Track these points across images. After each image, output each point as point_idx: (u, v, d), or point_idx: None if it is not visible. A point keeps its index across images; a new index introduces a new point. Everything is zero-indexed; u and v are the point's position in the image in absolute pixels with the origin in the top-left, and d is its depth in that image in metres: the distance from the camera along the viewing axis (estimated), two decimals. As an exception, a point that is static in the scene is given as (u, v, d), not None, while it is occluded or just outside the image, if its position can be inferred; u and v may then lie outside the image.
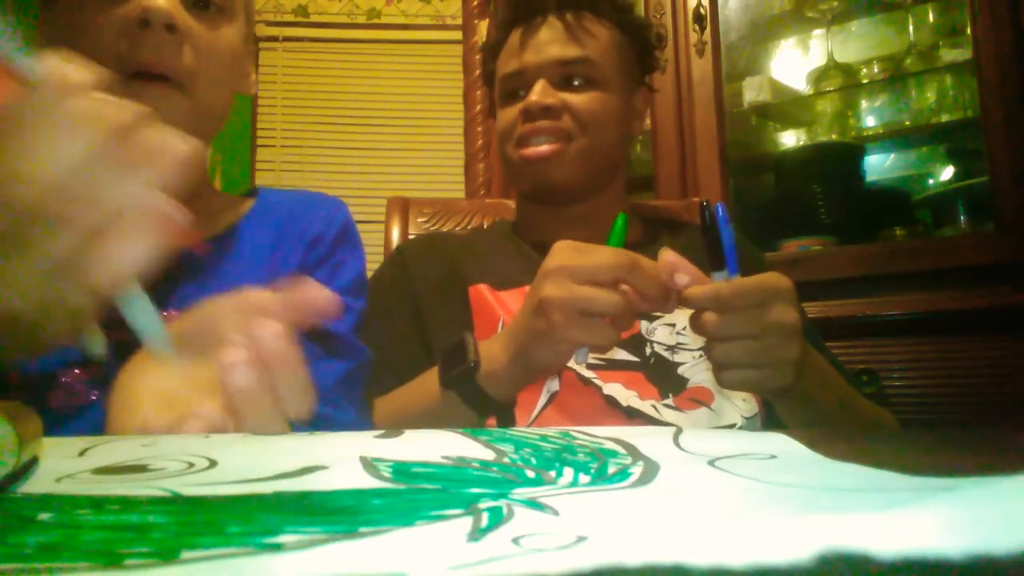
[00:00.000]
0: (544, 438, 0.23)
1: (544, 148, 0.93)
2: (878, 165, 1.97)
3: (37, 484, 0.18)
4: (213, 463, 0.20)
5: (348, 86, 2.47)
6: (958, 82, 1.76)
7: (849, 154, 1.87)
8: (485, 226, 1.22)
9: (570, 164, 0.94)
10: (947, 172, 1.88)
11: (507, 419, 0.83)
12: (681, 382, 0.85)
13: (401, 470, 0.20)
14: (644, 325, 0.89)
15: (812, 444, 0.23)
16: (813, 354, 0.72)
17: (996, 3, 1.53)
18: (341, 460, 0.20)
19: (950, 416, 1.51)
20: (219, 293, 0.64)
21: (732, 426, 0.83)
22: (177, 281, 0.64)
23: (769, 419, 0.86)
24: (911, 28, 1.84)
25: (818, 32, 1.98)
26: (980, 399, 1.49)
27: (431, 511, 0.17)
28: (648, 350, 0.87)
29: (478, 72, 2.04)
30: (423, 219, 1.27)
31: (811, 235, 1.74)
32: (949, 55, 1.73)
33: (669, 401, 0.83)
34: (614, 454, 0.22)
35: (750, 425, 0.84)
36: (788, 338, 0.62)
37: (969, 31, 1.61)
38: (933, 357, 1.55)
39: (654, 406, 0.82)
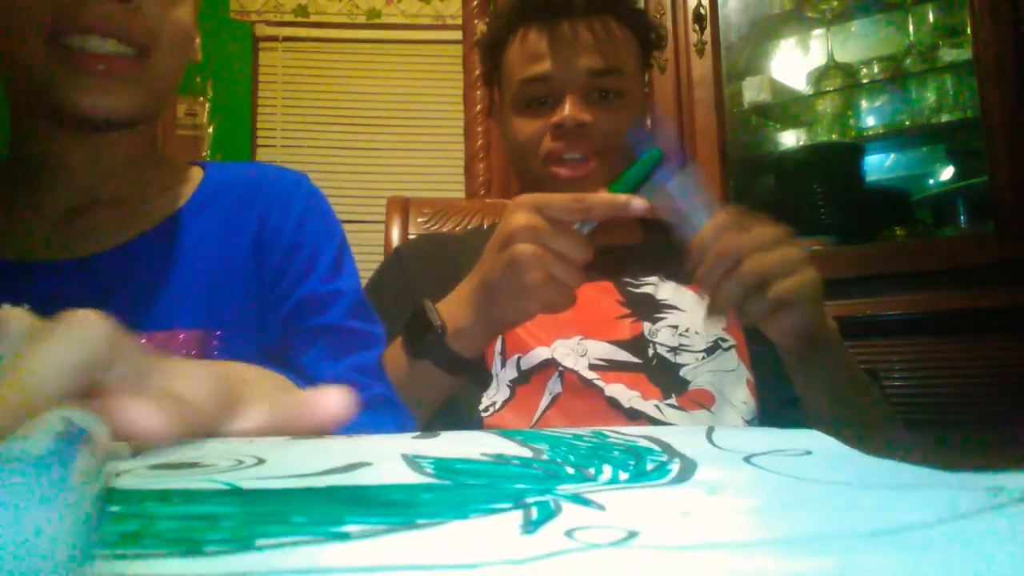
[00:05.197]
0: (577, 437, 0.23)
1: (580, 169, 0.91)
2: (878, 165, 1.98)
3: None
4: (261, 460, 0.20)
5: (348, 86, 2.47)
6: (958, 82, 1.77)
7: (849, 154, 1.87)
8: (485, 226, 1.22)
9: (601, 182, 0.93)
10: (947, 172, 1.88)
11: (479, 376, 0.84)
12: (683, 384, 0.85)
13: (443, 466, 0.20)
14: (647, 326, 0.89)
15: (844, 440, 0.23)
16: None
17: (996, 3, 1.54)
18: (383, 457, 0.20)
19: (950, 416, 1.51)
20: (157, 295, 0.60)
21: None
22: (113, 283, 0.60)
23: (764, 422, 0.86)
24: (911, 28, 1.85)
25: (818, 32, 1.99)
26: (980, 399, 1.49)
27: (481, 504, 0.17)
28: (651, 351, 0.87)
29: (478, 72, 2.04)
30: (423, 219, 1.27)
31: (811, 235, 1.74)
32: (949, 55, 1.73)
33: (672, 401, 0.83)
34: (650, 451, 0.22)
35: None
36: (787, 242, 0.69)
37: (969, 31, 1.61)
38: (933, 357, 1.55)
39: (657, 406, 0.82)
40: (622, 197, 0.67)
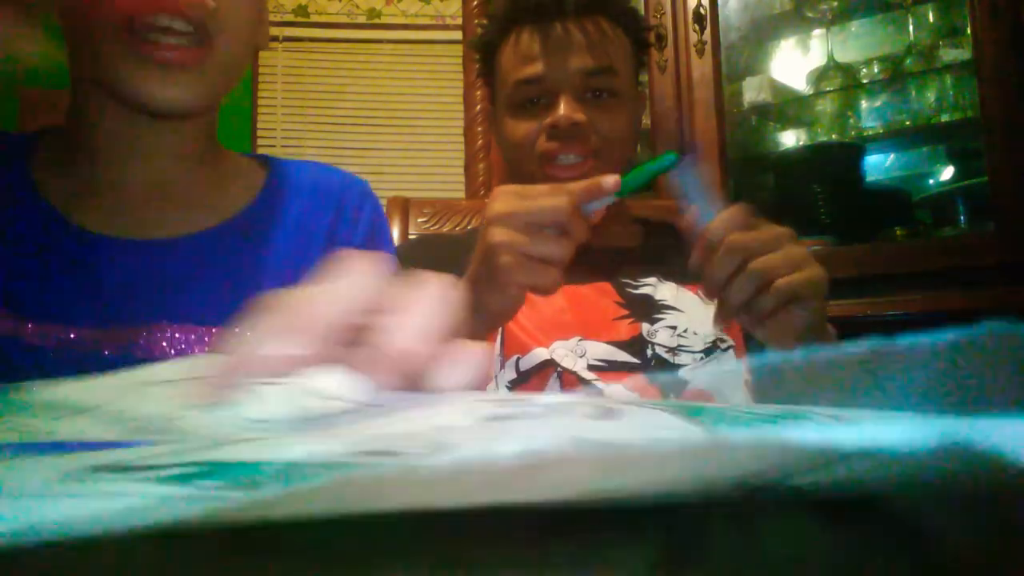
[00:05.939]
0: (752, 412, 0.23)
1: (575, 171, 0.90)
2: (878, 165, 1.98)
3: None
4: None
5: (348, 86, 2.47)
6: (958, 82, 1.76)
7: (849, 154, 1.87)
8: (485, 226, 1.21)
9: None
10: (947, 172, 1.88)
11: None
12: (681, 384, 0.85)
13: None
14: (645, 327, 0.89)
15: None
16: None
17: (996, 3, 1.53)
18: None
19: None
20: (237, 287, 0.62)
21: None
22: (197, 269, 0.62)
23: None
24: (911, 28, 1.85)
25: (818, 32, 1.99)
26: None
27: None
28: (649, 352, 0.87)
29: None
30: (423, 219, 1.27)
31: (811, 235, 1.74)
32: (949, 55, 1.73)
33: (671, 401, 0.83)
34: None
35: None
36: (792, 239, 0.68)
37: (969, 31, 1.61)
38: (933, 357, 1.55)
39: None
40: (598, 178, 0.67)
